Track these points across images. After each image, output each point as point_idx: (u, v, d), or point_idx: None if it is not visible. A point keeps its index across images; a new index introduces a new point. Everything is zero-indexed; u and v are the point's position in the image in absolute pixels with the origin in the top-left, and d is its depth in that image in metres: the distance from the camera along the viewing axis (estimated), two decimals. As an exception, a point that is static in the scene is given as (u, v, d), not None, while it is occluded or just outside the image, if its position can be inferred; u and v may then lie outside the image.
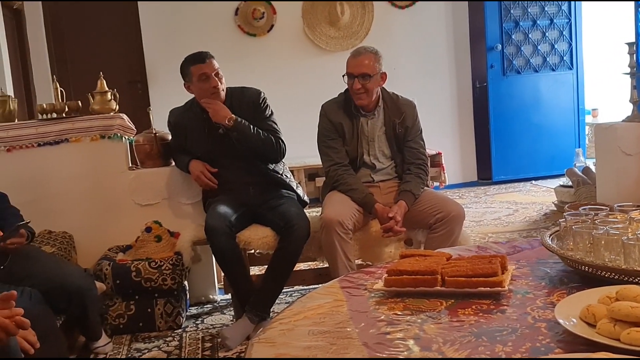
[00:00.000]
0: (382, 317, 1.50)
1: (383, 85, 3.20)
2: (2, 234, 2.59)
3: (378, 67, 3.10)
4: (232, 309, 3.40)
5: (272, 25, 6.39)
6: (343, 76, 3.13)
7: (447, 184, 5.81)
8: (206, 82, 3.09)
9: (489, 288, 1.57)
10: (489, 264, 1.64)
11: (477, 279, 1.59)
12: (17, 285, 2.51)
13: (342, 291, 1.70)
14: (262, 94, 3.25)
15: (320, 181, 5.93)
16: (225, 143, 3.14)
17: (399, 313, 1.52)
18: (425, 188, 3.21)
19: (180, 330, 3.18)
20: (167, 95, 5.15)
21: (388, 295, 1.64)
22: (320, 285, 3.14)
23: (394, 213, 2.99)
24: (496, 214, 5.38)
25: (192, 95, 3.22)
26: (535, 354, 1.24)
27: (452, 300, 1.58)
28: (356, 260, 3.13)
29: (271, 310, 3.06)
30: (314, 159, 5.73)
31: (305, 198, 3.36)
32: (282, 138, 3.21)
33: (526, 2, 6.62)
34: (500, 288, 1.57)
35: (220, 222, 2.97)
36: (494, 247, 2.09)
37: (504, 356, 1.25)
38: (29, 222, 2.62)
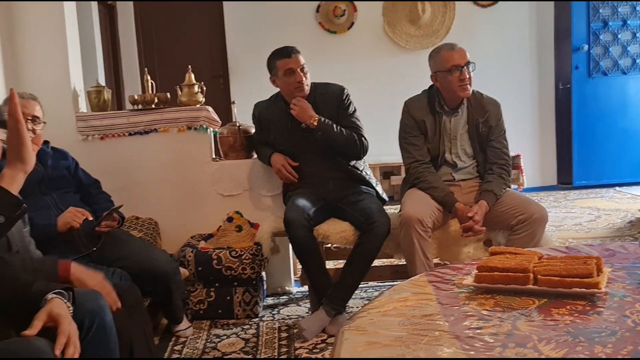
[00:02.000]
0: (473, 313, 1.48)
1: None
2: (92, 218, 2.71)
3: None
4: (307, 301, 3.44)
5: (353, 23, 6.42)
6: (437, 72, 3.11)
7: (525, 187, 5.69)
8: (291, 76, 3.14)
9: (584, 289, 1.53)
10: (584, 264, 1.60)
11: (571, 280, 1.55)
12: (109, 267, 2.64)
13: (429, 285, 1.69)
14: (346, 91, 3.27)
15: (395, 179, 5.92)
16: (307, 138, 3.18)
17: (489, 309, 1.50)
18: (507, 189, 3.15)
19: (257, 319, 3.24)
20: (248, 90, 5.27)
21: (478, 292, 1.62)
22: (397, 282, 3.14)
23: (474, 213, 2.94)
24: (577, 220, 5.21)
25: (271, 90, 3.27)
26: (638, 357, 1.20)
27: (545, 300, 1.54)
28: (434, 260, 3.10)
29: (347, 305, 3.08)
30: (390, 157, 5.76)
31: (384, 196, 3.36)
32: (365, 135, 3.22)
33: (616, 1, 6.37)
34: (596, 290, 1.52)
35: (299, 214, 3.01)
36: (585, 249, 2.03)
37: (604, 357, 1.22)
38: (121, 206, 2.74)
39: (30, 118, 2.70)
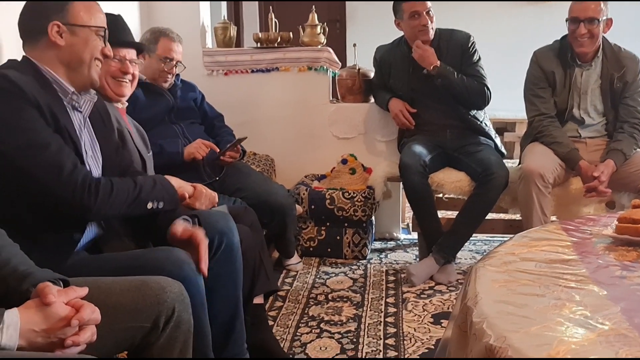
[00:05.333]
0: (614, 263, 1.44)
1: (605, 35, 2.99)
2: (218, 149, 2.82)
3: (605, 12, 2.89)
4: (415, 248, 3.45)
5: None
6: (566, 20, 2.96)
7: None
8: (417, 19, 3.07)
9: None
10: None
11: None
12: (230, 196, 2.75)
13: (565, 233, 1.65)
14: (472, 38, 3.18)
15: (508, 136, 5.73)
16: (427, 84, 3.13)
17: (632, 261, 1.45)
18: (638, 150, 2.98)
19: (364, 260, 3.30)
20: (364, 36, 5.20)
21: (618, 243, 1.56)
22: (509, 235, 3.10)
23: (600, 172, 2.81)
24: None
25: (387, 38, 3.23)
26: None
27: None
28: (551, 217, 3.01)
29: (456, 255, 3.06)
30: (504, 113, 5.56)
31: (503, 149, 3.27)
32: (488, 85, 3.13)
33: None
34: None
35: (415, 160, 3.00)
36: None
37: None
38: (246, 138, 2.81)
39: (176, 63, 2.79)
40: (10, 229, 1.38)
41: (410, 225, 3.56)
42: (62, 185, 1.51)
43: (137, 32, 3.14)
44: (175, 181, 1.82)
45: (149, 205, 1.68)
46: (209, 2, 3.76)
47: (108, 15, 1.82)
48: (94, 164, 1.71)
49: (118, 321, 1.32)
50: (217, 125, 3.07)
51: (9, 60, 1.64)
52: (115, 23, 2.08)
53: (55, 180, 1.51)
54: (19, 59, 1.65)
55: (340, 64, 3.63)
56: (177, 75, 2.93)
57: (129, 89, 2.19)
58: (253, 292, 2.17)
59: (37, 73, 1.59)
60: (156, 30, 2.81)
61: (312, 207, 3.25)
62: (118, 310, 1.33)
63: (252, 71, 3.59)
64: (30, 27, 1.64)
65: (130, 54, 2.18)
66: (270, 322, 2.49)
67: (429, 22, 3.09)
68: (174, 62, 2.78)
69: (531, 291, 1.27)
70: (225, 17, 3.92)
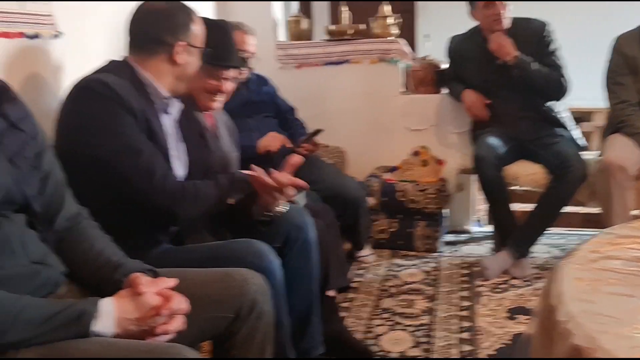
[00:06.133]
0: None
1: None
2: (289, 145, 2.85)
3: None
4: (488, 241, 3.40)
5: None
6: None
7: None
8: (491, 8, 3.01)
9: None
10: None
11: None
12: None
13: (654, 231, 1.59)
14: (548, 27, 3.09)
15: (585, 126, 5.54)
16: (503, 75, 3.06)
17: None
18: None
19: (436, 254, 3.27)
20: (434, 26, 5.15)
21: None
22: (586, 230, 2.99)
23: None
24: None
25: (456, 29, 3.17)
26: None
27: None
28: (634, 211, 2.90)
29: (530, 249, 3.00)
30: (580, 102, 5.37)
31: (581, 142, 3.17)
32: (566, 75, 3.03)
33: None
34: None
35: (489, 152, 2.95)
36: None
37: None
38: (322, 130, 2.83)
39: (249, 55, 2.84)
40: (100, 223, 1.45)
41: (484, 218, 3.51)
42: (152, 191, 1.59)
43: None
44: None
45: (229, 202, 1.73)
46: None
47: (218, 28, 1.88)
48: (180, 164, 1.78)
49: (203, 311, 1.37)
50: (290, 119, 3.11)
51: (111, 62, 1.72)
52: (224, 39, 2.02)
53: (147, 185, 1.58)
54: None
55: (411, 55, 3.60)
56: (251, 69, 2.98)
57: (219, 105, 2.11)
58: (326, 286, 2.19)
59: (133, 76, 1.67)
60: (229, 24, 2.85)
61: (384, 199, 3.25)
62: (203, 300, 1.37)
63: (324, 64, 3.61)
64: (153, 39, 1.69)
65: (233, 72, 2.07)
66: (343, 314, 2.52)
67: (504, 10, 3.02)
68: (248, 55, 2.82)
69: (619, 291, 1.23)
70: (297, 11, 3.95)
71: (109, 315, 1.16)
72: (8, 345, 1.08)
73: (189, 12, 1.74)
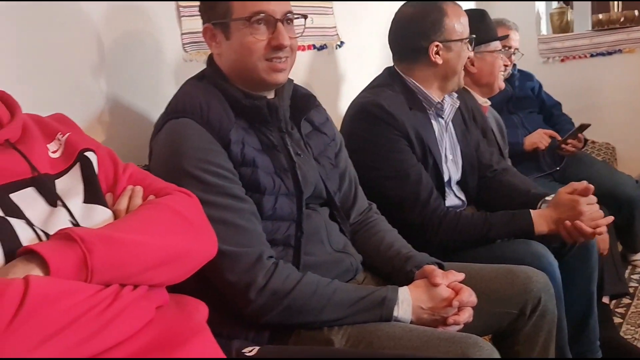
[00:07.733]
0: None
1: None
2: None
3: None
4: None
5: None
6: None
7: None
8: None
9: None
10: None
11: None
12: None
13: None
14: None
15: None
16: None
17: None
18: None
19: None
20: None
21: None
22: None
23: None
24: None
25: None
26: None
27: None
28: None
29: None
30: None
31: None
32: None
33: None
34: None
35: None
36: None
37: None
38: (589, 125, 2.69)
39: (514, 51, 2.82)
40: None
41: None
42: (414, 214, 1.66)
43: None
44: (537, 216, 1.69)
45: (497, 241, 1.71)
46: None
47: (474, 13, 1.91)
48: (454, 167, 1.83)
49: (489, 305, 1.40)
50: (555, 114, 3.01)
51: (386, 70, 1.82)
52: (482, 20, 2.14)
53: (410, 208, 1.66)
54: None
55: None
56: (514, 64, 2.93)
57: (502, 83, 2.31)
58: (602, 291, 2.09)
59: (404, 87, 1.76)
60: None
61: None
62: (488, 295, 1.40)
63: (592, 55, 3.41)
64: (409, 47, 1.77)
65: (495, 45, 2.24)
66: (617, 320, 2.36)
67: None
68: (512, 50, 2.78)
69: None
70: (559, 3, 3.78)
71: (407, 302, 1.26)
72: (323, 323, 1.24)
73: (440, 8, 1.73)
